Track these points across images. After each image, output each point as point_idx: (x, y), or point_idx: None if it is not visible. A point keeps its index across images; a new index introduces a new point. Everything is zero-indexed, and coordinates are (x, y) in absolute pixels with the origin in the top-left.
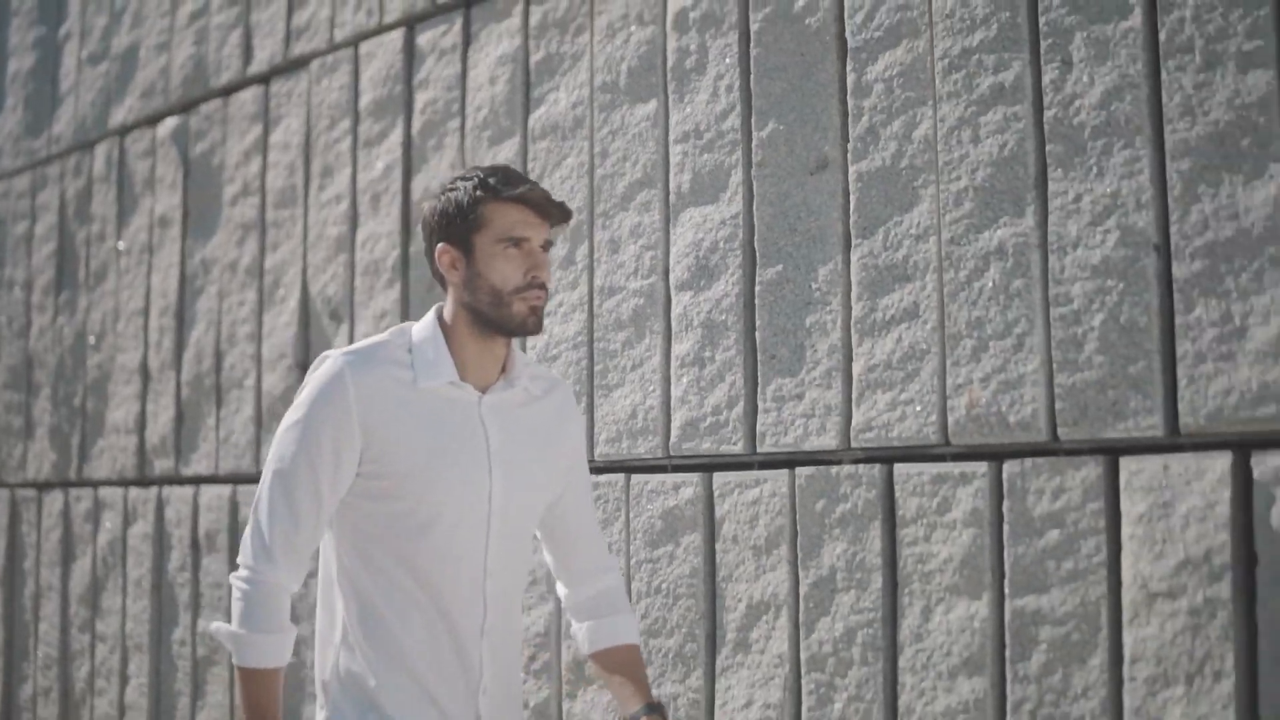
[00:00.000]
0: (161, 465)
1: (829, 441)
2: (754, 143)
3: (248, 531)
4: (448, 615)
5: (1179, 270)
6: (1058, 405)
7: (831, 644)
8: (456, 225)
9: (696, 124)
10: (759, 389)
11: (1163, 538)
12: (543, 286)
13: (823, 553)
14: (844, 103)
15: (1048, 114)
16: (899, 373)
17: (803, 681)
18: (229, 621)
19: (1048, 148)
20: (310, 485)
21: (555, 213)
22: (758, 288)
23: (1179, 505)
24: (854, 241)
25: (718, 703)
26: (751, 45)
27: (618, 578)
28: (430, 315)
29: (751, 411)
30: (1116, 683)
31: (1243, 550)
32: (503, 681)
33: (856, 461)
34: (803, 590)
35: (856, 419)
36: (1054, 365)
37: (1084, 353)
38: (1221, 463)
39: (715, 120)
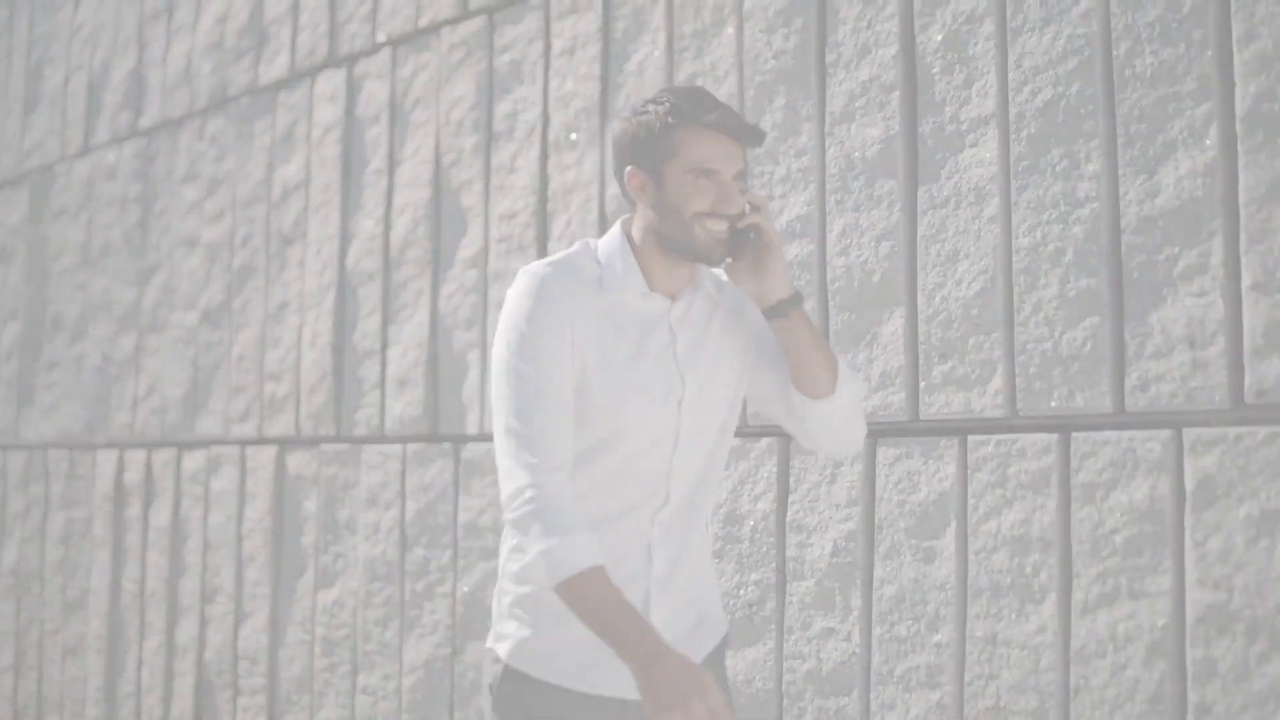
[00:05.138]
0: None
1: None
2: None
3: (505, 458)
4: (627, 510)
5: None
6: None
7: None
8: (647, 150)
9: None
10: None
11: None
12: (729, 218)
13: None
14: None
15: None
16: None
17: None
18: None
19: None
20: (556, 389)
21: (748, 137)
22: None
23: None
24: None
25: None
26: None
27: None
28: (616, 230)
29: None
30: None
31: None
32: (678, 570)
33: None
34: None
35: None
36: None
37: None
38: None
39: None
